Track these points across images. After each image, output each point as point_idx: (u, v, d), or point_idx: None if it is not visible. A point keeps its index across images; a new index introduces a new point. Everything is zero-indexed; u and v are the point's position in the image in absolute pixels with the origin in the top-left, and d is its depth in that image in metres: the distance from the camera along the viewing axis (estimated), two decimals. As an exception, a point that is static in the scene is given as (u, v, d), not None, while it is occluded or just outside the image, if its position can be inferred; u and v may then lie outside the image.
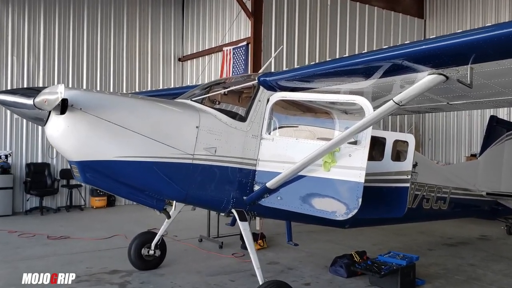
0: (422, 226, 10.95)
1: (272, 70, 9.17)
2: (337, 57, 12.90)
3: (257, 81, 6.01)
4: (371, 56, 4.79)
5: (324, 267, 7.84)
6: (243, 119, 5.90)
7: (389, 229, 10.60)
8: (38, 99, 4.60)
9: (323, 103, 6.36)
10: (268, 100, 5.97)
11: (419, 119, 16.58)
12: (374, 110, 5.00)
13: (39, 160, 14.02)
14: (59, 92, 4.49)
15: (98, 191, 14.38)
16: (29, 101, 4.71)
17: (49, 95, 4.56)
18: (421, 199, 7.92)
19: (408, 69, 4.74)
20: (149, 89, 15.52)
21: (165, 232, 7.75)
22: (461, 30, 4.13)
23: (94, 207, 14.55)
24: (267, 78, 5.89)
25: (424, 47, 4.25)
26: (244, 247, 9.01)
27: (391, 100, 4.76)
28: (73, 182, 14.28)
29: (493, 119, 10.55)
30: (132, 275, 7.21)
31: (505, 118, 12.58)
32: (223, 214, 6.81)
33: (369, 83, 5.50)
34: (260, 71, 7.29)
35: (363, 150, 5.28)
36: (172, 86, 16.07)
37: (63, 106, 4.77)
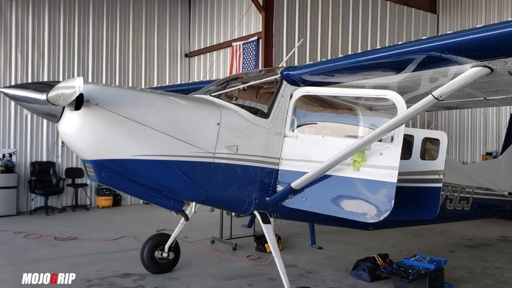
0: (439, 227, 10.59)
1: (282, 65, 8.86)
2: (350, 53, 12.66)
3: (280, 75, 5.68)
4: (409, 48, 4.45)
5: (345, 270, 7.52)
6: (265, 115, 5.57)
7: (407, 230, 10.31)
8: (52, 93, 4.29)
9: (348, 99, 6.04)
10: (291, 96, 5.64)
11: (432, 117, 16.23)
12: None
13: (44, 159, 13.69)
14: (76, 86, 4.17)
15: (105, 190, 14.09)
16: (42, 96, 4.40)
17: (64, 89, 4.24)
18: (444, 200, 7.58)
19: (447, 61, 4.42)
20: (155, 85, 15.17)
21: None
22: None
23: (100, 207, 14.22)
24: (291, 72, 5.57)
25: (470, 37, 3.91)
26: (259, 249, 8.75)
27: (430, 95, 4.43)
28: (78, 181, 14.00)
29: (515, 116, 10.22)
30: (146, 279, 6.89)
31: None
32: (242, 215, 6.49)
33: (400, 77, 5.18)
34: (281, 64, 6.98)
35: (396, 148, 4.96)
36: (179, 82, 15.73)
37: (79, 101, 4.45)
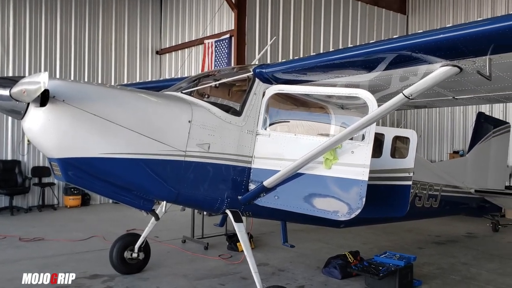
0: (408, 224, 10.80)
1: (255, 62, 8.83)
2: (322, 52, 12.72)
3: (252, 73, 5.64)
4: (381, 46, 4.47)
5: (316, 268, 7.55)
6: (238, 113, 5.51)
7: (377, 227, 10.41)
8: (16, 89, 4.12)
9: (321, 97, 6.05)
10: (264, 93, 5.60)
11: (400, 116, 16.52)
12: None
13: (9, 157, 13.27)
14: (41, 81, 4.01)
15: (73, 189, 13.74)
16: (5, 92, 4.22)
17: (29, 85, 4.08)
18: (413, 197, 7.70)
19: (418, 60, 4.46)
20: (125, 82, 14.91)
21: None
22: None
23: (68, 207, 13.87)
24: (264, 70, 5.53)
25: (440, 36, 3.95)
26: (231, 248, 8.69)
27: (401, 94, 4.48)
28: (45, 180, 13.61)
29: (481, 116, 10.51)
30: (115, 280, 6.74)
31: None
32: (214, 214, 6.41)
33: (372, 76, 5.22)
34: (253, 62, 6.93)
35: (367, 146, 4.98)
36: (150, 79, 15.51)
37: (44, 98, 4.29)
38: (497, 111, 14.05)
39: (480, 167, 10.18)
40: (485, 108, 13.45)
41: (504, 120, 12.15)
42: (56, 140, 4.57)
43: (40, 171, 13.58)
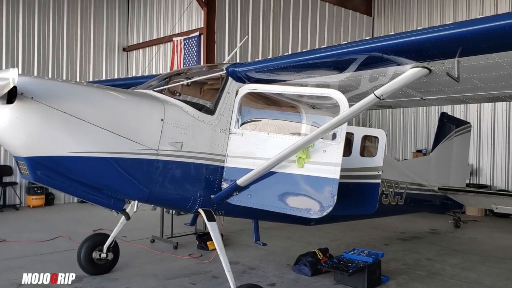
0: (374, 221, 11.01)
1: (227, 61, 8.82)
2: (290, 52, 12.85)
3: (225, 71, 5.63)
4: (353, 47, 4.56)
5: (286, 266, 7.62)
6: (211, 112, 5.50)
7: (344, 225, 10.62)
8: (-18, 85, 3.96)
9: (293, 97, 6.10)
10: (237, 92, 5.61)
11: (366, 116, 16.85)
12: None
13: (-32, 155, 12.76)
14: (10, 78, 3.88)
15: (36, 188, 13.34)
16: (-31, 88, 4.05)
17: (-4, 81, 3.93)
18: (380, 195, 7.87)
19: (389, 62, 4.58)
20: (91, 79, 14.58)
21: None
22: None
23: (31, 206, 13.45)
24: (237, 69, 5.54)
25: (412, 38, 4.07)
26: (201, 247, 8.66)
27: (372, 94, 4.59)
28: (7, 179, 13.15)
29: (444, 115, 10.85)
30: (83, 281, 6.59)
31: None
32: (183, 213, 6.37)
33: (343, 77, 5.31)
34: (225, 61, 6.91)
35: (338, 145, 5.08)
36: (117, 77, 15.21)
37: (11, 95, 4.15)
38: (458, 111, 14.55)
39: (443, 165, 10.54)
40: (447, 109, 13.89)
41: (465, 120, 12.61)
42: (24, 139, 4.43)
43: (1, 170, 13.11)
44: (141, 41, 15.63)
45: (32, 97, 4.33)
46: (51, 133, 4.50)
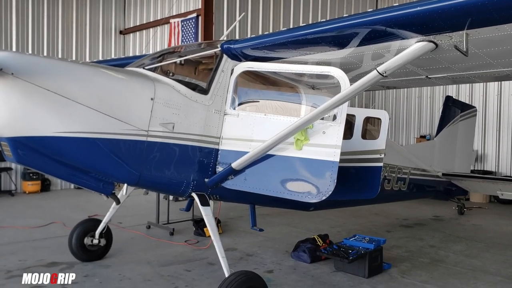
0: (376, 207, 10.81)
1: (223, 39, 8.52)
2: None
3: (220, 49, 5.33)
4: (354, 20, 4.25)
5: (285, 252, 7.40)
6: (204, 91, 5.20)
7: (345, 211, 10.40)
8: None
9: (291, 76, 5.81)
10: (232, 71, 5.31)
11: (369, 100, 16.54)
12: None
13: (-39, 140, 12.49)
14: None
15: (32, 174, 13.13)
16: None
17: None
18: (382, 180, 7.61)
19: (392, 36, 4.27)
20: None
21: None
22: None
23: (27, 192, 13.27)
24: (232, 46, 5.22)
25: (417, 9, 3.76)
26: (198, 233, 8.45)
27: (375, 71, 4.27)
28: (2, 165, 12.93)
29: (449, 99, 10.55)
30: (74, 268, 6.39)
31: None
32: (181, 198, 6.12)
33: (344, 53, 5.00)
34: (222, 38, 6.61)
35: (339, 126, 4.78)
36: (113, 60, 14.92)
37: (-12, 71, 3.88)
38: (463, 95, 14.22)
39: (447, 150, 10.26)
40: (452, 92, 13.57)
41: (470, 104, 12.28)
42: (5, 118, 4.16)
43: (-4, 155, 12.88)
44: (138, 24, 15.31)
45: (12, 73, 4.05)
46: (33, 111, 4.22)
